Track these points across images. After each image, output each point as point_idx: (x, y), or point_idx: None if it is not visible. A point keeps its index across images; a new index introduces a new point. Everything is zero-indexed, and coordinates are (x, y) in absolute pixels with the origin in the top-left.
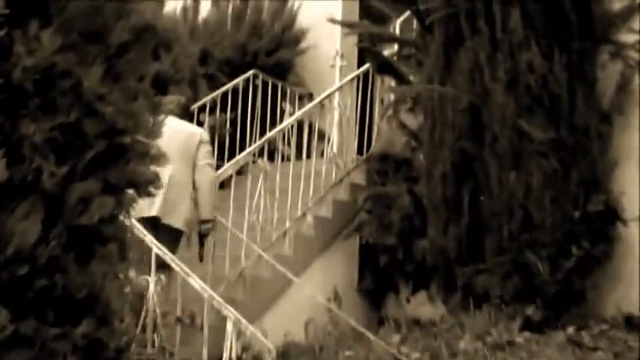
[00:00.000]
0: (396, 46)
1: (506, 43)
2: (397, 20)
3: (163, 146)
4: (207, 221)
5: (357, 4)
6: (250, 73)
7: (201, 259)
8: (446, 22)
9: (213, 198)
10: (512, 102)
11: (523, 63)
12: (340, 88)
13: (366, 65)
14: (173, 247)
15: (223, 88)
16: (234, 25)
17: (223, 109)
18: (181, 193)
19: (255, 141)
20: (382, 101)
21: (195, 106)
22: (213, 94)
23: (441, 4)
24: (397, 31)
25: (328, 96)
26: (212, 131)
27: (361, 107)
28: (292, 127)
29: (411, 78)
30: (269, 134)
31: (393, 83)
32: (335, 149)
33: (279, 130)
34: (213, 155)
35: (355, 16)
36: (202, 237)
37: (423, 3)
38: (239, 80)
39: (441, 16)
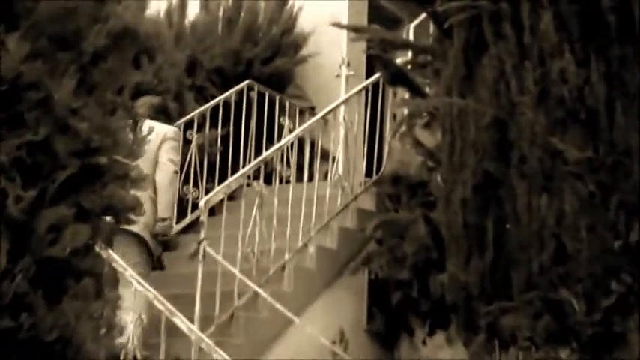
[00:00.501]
0: (410, 54)
1: (536, 49)
2: (411, 24)
3: None
4: (164, 219)
5: (365, 6)
6: (244, 84)
7: (160, 266)
8: (467, 25)
9: (172, 195)
10: (542, 117)
11: (555, 72)
12: (346, 101)
13: (376, 75)
14: (135, 257)
15: (213, 102)
16: (225, 29)
17: (213, 125)
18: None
19: (249, 161)
20: (394, 116)
21: (181, 122)
22: (202, 108)
23: (461, 5)
24: (411, 36)
25: (333, 110)
26: (201, 150)
27: (370, 123)
28: (292, 145)
29: (427, 90)
30: (265, 153)
31: (406, 95)
32: (340, 171)
33: (277, 149)
34: (178, 153)
35: (363, 20)
36: (160, 239)
37: (440, 4)
38: (231, 92)
39: (461, 19)
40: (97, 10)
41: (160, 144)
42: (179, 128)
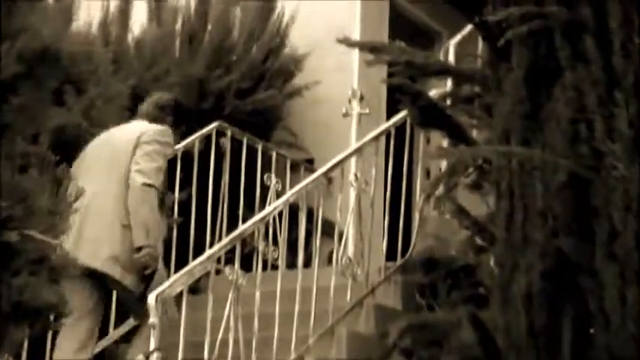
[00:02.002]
0: (449, 83)
1: (631, 75)
2: (451, 41)
3: (88, 159)
4: (139, 249)
5: (385, 14)
6: (212, 126)
7: (140, 320)
8: (531, 42)
9: (145, 216)
10: (639, 172)
11: None
12: (359, 150)
13: (401, 114)
14: (86, 299)
15: (169, 152)
16: (185, 48)
17: (169, 186)
18: (100, 223)
19: (220, 237)
20: (427, 172)
21: None
22: None
23: (524, 12)
24: (451, 57)
25: (339, 164)
26: None
27: (393, 182)
28: (281, 214)
29: (475, 134)
30: (243, 226)
31: (444, 143)
32: (351, 252)
33: (260, 220)
34: (156, 159)
35: (383, 34)
36: (143, 276)
37: (493, 12)
38: (194, 139)
39: (523, 33)
40: (5, 23)
41: (132, 152)
42: None
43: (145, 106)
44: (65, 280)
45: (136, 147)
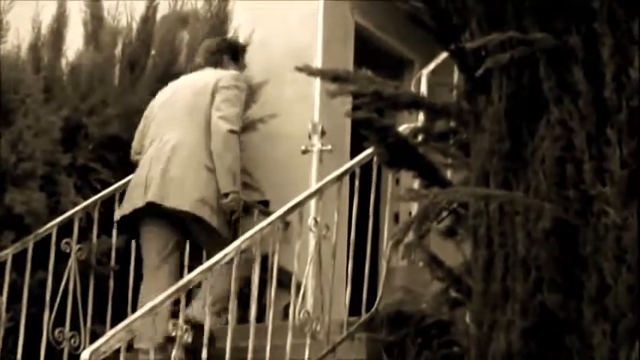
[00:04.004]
0: (421, 117)
1: (625, 110)
2: (424, 70)
3: (162, 110)
4: (226, 195)
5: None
6: None
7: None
8: (514, 72)
9: (230, 162)
10: (633, 219)
11: None
12: (319, 192)
13: (367, 151)
14: (207, 242)
15: (105, 192)
16: (126, 74)
17: (105, 231)
18: (187, 165)
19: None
20: (396, 216)
21: (52, 224)
22: (87, 203)
23: (505, 38)
24: (424, 88)
25: (297, 206)
26: (84, 267)
27: (357, 227)
28: (232, 262)
29: (450, 174)
30: (189, 275)
31: (415, 184)
32: (310, 305)
33: (207, 269)
34: (236, 104)
35: (348, 62)
36: (230, 220)
37: (470, 38)
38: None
39: (504, 62)
40: None
41: (210, 98)
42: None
43: (198, 59)
44: (146, 225)
45: (214, 92)
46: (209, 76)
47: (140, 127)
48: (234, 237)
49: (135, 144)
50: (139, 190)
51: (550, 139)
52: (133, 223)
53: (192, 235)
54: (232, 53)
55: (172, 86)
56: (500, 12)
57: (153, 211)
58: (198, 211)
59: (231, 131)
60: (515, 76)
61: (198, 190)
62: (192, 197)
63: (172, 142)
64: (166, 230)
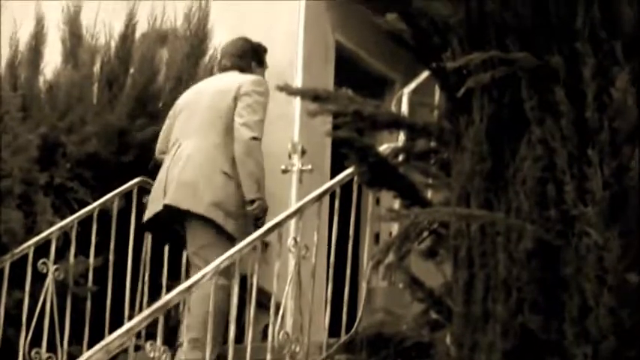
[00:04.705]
0: (402, 137)
1: (606, 130)
2: (405, 89)
3: (184, 111)
4: (251, 202)
5: (331, 59)
6: (133, 182)
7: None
8: (495, 92)
9: (253, 168)
10: (615, 241)
11: (636, 168)
12: (299, 211)
13: (347, 171)
14: (206, 245)
15: (83, 211)
16: (104, 93)
17: (82, 251)
18: (200, 169)
19: (140, 309)
20: (376, 237)
21: (29, 244)
22: (64, 222)
23: (486, 57)
24: (404, 108)
25: (277, 227)
26: (61, 288)
27: (337, 248)
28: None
29: (430, 194)
30: (167, 296)
31: (396, 204)
32: (289, 326)
33: (186, 290)
34: (258, 111)
35: (328, 81)
36: (256, 225)
37: (452, 57)
38: (113, 195)
39: (486, 82)
40: None
41: (232, 103)
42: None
43: (225, 62)
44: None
45: (236, 98)
46: (232, 80)
47: (165, 126)
48: None
49: (159, 144)
50: (158, 193)
51: (531, 160)
52: (161, 224)
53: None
54: (257, 56)
55: (197, 87)
56: (481, 31)
57: (173, 214)
58: (211, 214)
59: (254, 138)
60: (497, 95)
61: (212, 194)
62: (205, 200)
63: (190, 146)
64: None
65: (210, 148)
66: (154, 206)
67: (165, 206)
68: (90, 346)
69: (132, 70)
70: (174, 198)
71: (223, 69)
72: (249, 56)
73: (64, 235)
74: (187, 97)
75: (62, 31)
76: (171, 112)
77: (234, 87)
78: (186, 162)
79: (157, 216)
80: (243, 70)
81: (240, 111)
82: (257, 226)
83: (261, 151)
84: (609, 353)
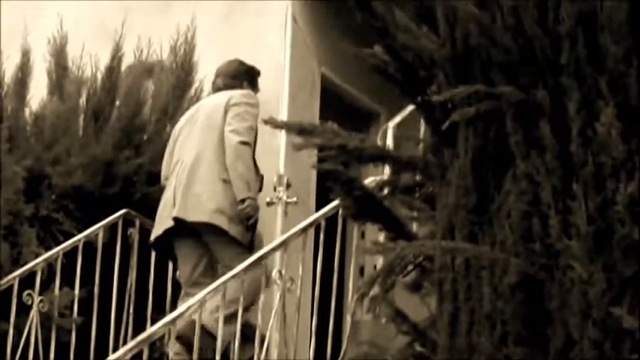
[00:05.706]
0: (387, 170)
1: (590, 166)
2: (390, 123)
3: (184, 130)
4: (242, 201)
5: (316, 92)
6: (119, 214)
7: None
8: (480, 126)
9: (242, 170)
10: (600, 274)
11: (621, 202)
12: (284, 244)
13: (332, 204)
14: (224, 254)
15: (67, 243)
16: (90, 125)
17: (67, 282)
18: (204, 180)
19: (125, 341)
20: (361, 270)
21: (14, 275)
22: (49, 254)
23: (471, 91)
24: (390, 141)
25: (262, 259)
26: (46, 321)
27: (322, 281)
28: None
29: (415, 228)
30: (152, 329)
31: (381, 237)
32: (274, 359)
33: (172, 322)
34: (246, 119)
35: (314, 114)
36: (248, 226)
37: (437, 91)
38: (98, 228)
39: (471, 116)
40: None
41: (223, 115)
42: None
43: (218, 81)
44: (177, 242)
45: (226, 111)
46: (223, 95)
47: (167, 150)
48: (252, 244)
49: (164, 170)
50: (167, 210)
51: (516, 193)
52: (166, 245)
53: (210, 251)
54: (250, 78)
55: (194, 108)
56: (467, 65)
57: (182, 230)
58: (215, 221)
59: (242, 142)
60: (482, 129)
61: (214, 201)
62: (208, 208)
63: (191, 161)
64: (198, 246)
65: (209, 159)
66: (161, 225)
67: (175, 220)
68: None
69: (118, 102)
70: (183, 211)
71: (217, 89)
72: (242, 77)
73: (49, 267)
74: (185, 117)
75: (48, 63)
76: (170, 141)
77: (225, 100)
78: (191, 176)
79: (164, 234)
80: (235, 89)
81: (229, 120)
82: (249, 227)
83: (250, 154)
84: None
